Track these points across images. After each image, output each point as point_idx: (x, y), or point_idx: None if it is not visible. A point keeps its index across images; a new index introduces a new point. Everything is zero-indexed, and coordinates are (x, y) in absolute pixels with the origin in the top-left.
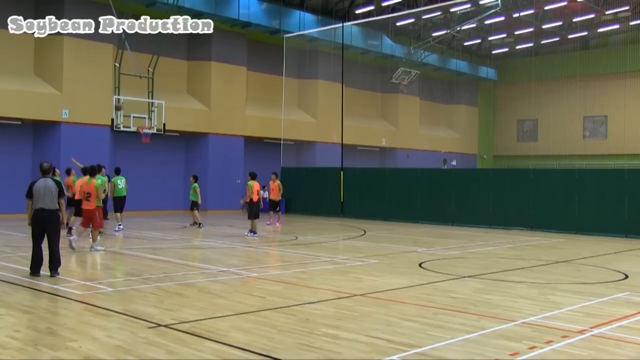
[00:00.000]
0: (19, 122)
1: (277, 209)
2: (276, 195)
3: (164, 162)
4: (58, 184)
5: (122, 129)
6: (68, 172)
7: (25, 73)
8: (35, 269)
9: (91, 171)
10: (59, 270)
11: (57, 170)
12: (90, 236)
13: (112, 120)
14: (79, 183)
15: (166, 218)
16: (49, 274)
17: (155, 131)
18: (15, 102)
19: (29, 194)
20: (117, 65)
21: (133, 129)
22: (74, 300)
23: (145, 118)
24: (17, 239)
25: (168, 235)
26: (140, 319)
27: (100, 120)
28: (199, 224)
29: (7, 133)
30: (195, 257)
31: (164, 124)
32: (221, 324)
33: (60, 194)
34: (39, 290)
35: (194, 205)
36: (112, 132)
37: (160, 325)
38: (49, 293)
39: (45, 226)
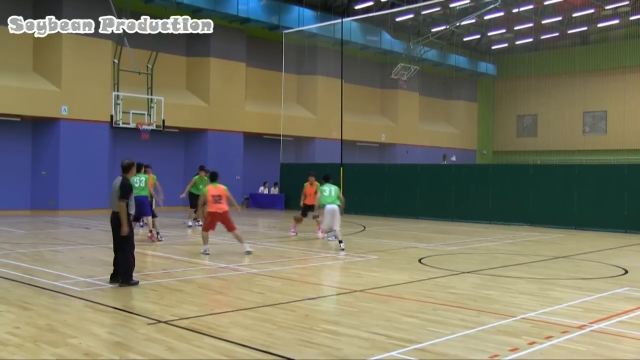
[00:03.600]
0: (18, 118)
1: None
2: (312, 200)
3: (163, 158)
4: (124, 185)
5: (121, 125)
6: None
7: (24, 70)
8: (111, 276)
9: (212, 176)
10: (133, 278)
11: (149, 169)
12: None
13: (112, 116)
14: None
15: (166, 214)
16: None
17: (154, 127)
18: (14, 99)
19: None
20: (116, 61)
21: (132, 125)
22: (73, 296)
23: (144, 114)
24: (17, 236)
25: (168, 232)
26: (140, 316)
27: (100, 116)
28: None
29: (6, 130)
30: (195, 253)
31: (163, 120)
32: (221, 320)
33: (122, 195)
34: (38, 287)
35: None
36: (111, 129)
37: (160, 321)
38: (48, 290)
39: (114, 230)
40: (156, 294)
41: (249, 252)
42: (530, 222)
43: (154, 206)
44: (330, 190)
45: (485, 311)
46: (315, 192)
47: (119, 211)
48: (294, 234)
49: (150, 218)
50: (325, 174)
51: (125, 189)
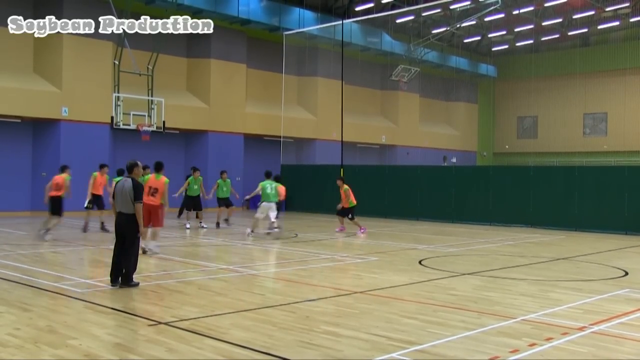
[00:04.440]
0: (19, 120)
1: (349, 216)
2: (345, 203)
3: (163, 159)
4: (136, 185)
5: (121, 126)
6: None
7: (25, 71)
8: (112, 278)
9: (157, 166)
10: (134, 280)
11: (148, 169)
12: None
13: (112, 118)
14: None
15: (166, 215)
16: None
17: (154, 129)
18: (14, 100)
19: (113, 195)
20: (117, 62)
21: (133, 126)
22: (73, 298)
23: (144, 116)
24: (17, 237)
25: (168, 233)
26: (140, 317)
27: (100, 118)
28: (223, 222)
29: (6, 131)
30: (195, 254)
31: (164, 122)
32: (221, 322)
33: (137, 197)
34: (39, 288)
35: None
36: (111, 130)
37: (160, 322)
38: (49, 291)
39: (123, 232)
40: (156, 296)
41: (152, 252)
42: (531, 224)
43: None
44: (272, 188)
45: (486, 313)
46: (347, 195)
47: (131, 212)
48: (340, 231)
49: None
50: (269, 171)
51: (140, 190)
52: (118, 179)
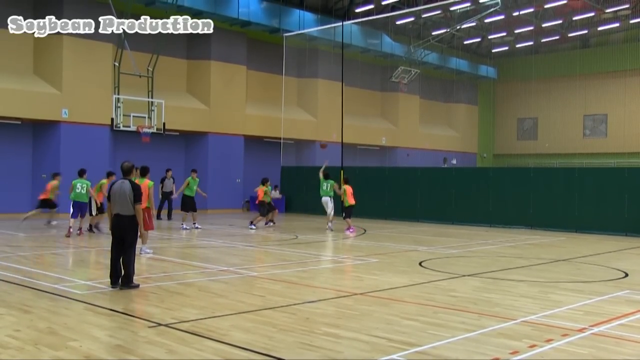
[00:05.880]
0: (19, 121)
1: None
2: (348, 200)
3: (163, 161)
4: (135, 187)
5: (121, 128)
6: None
7: (25, 72)
8: (112, 280)
9: (142, 171)
10: (134, 282)
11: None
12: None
13: (112, 119)
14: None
15: (165, 217)
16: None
17: (155, 130)
18: (14, 102)
19: (109, 197)
20: (117, 64)
21: (133, 128)
22: (74, 299)
23: (145, 117)
24: (18, 239)
25: (167, 235)
26: (141, 319)
27: (100, 119)
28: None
29: (6, 133)
30: (195, 256)
31: (164, 123)
32: (221, 323)
33: (136, 198)
34: (39, 289)
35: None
36: (111, 132)
37: (160, 324)
38: (49, 292)
39: (121, 234)
40: (157, 297)
41: (146, 253)
42: (531, 225)
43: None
44: (327, 186)
45: (486, 314)
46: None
47: (130, 214)
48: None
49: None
50: (326, 172)
51: (139, 191)
52: (77, 181)
